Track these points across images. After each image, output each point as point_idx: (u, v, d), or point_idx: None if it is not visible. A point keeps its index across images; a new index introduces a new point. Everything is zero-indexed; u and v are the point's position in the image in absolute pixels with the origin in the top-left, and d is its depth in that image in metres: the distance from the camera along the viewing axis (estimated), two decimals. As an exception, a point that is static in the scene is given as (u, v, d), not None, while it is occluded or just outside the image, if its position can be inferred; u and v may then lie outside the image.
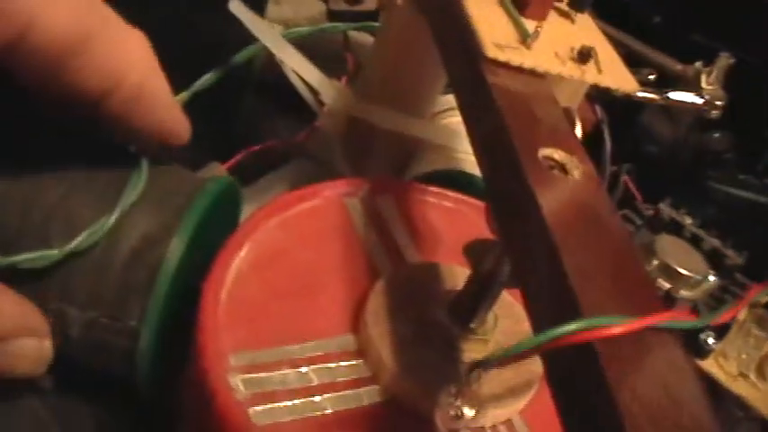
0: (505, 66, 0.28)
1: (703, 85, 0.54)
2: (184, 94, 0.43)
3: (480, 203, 0.37)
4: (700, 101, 0.54)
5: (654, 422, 0.18)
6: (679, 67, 0.55)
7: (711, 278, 0.49)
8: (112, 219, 0.31)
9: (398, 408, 0.27)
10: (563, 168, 0.25)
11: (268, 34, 0.41)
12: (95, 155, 0.34)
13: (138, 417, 0.36)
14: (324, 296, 0.30)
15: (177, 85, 0.43)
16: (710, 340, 0.44)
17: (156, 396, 0.34)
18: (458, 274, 0.31)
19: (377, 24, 0.43)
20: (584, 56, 0.30)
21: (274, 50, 0.41)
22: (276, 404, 0.26)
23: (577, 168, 0.25)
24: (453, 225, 0.35)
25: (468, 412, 0.23)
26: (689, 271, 0.47)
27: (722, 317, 0.22)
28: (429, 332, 0.29)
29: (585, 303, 0.19)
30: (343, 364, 0.28)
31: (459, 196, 0.37)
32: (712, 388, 0.44)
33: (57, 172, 0.33)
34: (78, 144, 0.34)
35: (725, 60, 0.55)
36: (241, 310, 0.29)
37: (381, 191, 0.35)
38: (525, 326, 0.30)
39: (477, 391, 0.23)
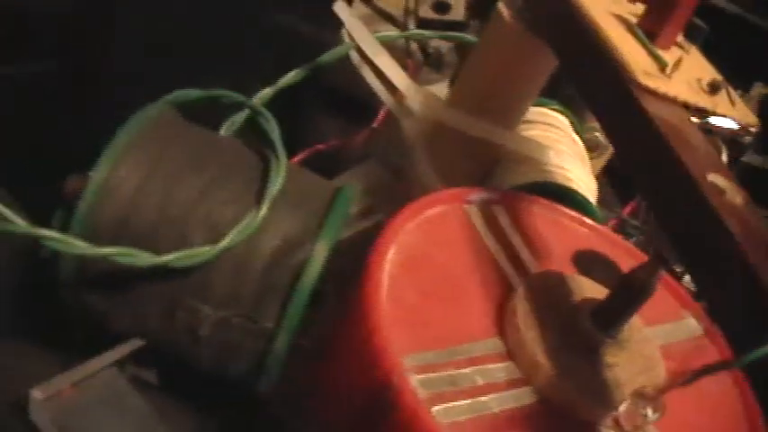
0: (653, 93, 0.31)
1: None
2: (269, 90, 0.44)
3: (578, 215, 0.39)
4: (736, 126, 0.58)
5: None
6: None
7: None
8: (259, 218, 0.32)
9: (553, 408, 0.29)
10: (725, 193, 0.27)
11: (365, 36, 0.42)
12: (231, 150, 0.35)
13: (246, 423, 0.37)
14: (466, 300, 0.32)
15: (259, 80, 0.44)
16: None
17: (276, 406, 0.35)
18: (584, 284, 0.33)
19: (465, 36, 0.45)
20: (715, 88, 0.32)
21: (370, 52, 0.42)
22: (452, 403, 0.28)
23: (739, 194, 0.27)
24: (560, 235, 0.38)
25: (652, 415, 0.26)
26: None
27: None
28: (574, 338, 0.31)
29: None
30: (499, 365, 0.30)
31: (563, 208, 0.39)
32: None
33: (194, 167, 0.33)
34: (213, 138, 0.35)
35: (759, 90, 0.59)
36: (402, 312, 0.30)
37: (497, 201, 0.37)
38: (646, 332, 0.33)
39: (660, 397, 0.26)
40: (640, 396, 0.27)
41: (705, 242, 0.26)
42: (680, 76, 0.32)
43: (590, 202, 0.41)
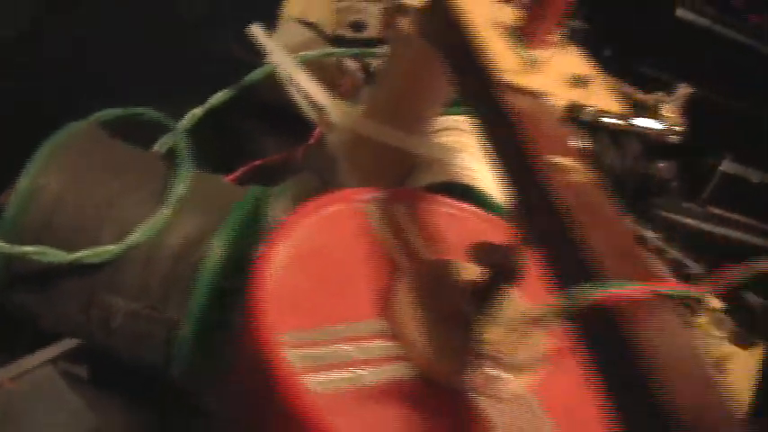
0: (515, 88, 0.33)
1: (664, 112, 0.60)
2: (199, 110, 0.47)
3: (476, 210, 0.41)
4: (660, 127, 0.60)
5: (681, 376, 0.22)
6: (642, 96, 0.61)
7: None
8: (162, 219, 0.35)
9: (427, 380, 0.31)
10: (569, 172, 0.30)
11: (283, 57, 0.45)
12: (144, 162, 0.38)
13: (168, 409, 0.40)
14: (354, 286, 0.34)
15: (190, 102, 0.48)
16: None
17: (190, 389, 0.37)
18: (468, 269, 0.36)
19: (375, 51, 0.48)
20: (579, 81, 0.35)
21: (289, 72, 0.45)
22: (327, 375, 0.30)
23: (582, 173, 0.29)
24: (456, 228, 0.40)
25: (506, 375, 0.28)
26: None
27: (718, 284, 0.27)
28: (451, 316, 0.33)
29: (608, 275, 0.24)
30: (378, 342, 0.32)
31: (461, 204, 0.41)
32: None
33: (109, 175, 0.36)
34: (130, 152, 0.38)
35: (684, 90, 0.61)
36: (288, 295, 0.32)
37: (395, 199, 0.40)
38: (526, 309, 0.35)
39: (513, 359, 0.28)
40: (491, 359, 0.29)
41: (543, 210, 0.28)
42: (548, 72, 0.35)
43: (491, 198, 0.44)
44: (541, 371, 0.34)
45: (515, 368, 0.31)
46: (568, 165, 0.30)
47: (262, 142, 0.57)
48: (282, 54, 0.45)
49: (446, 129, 0.49)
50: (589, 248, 0.25)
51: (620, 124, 0.60)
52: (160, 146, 0.45)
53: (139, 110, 0.39)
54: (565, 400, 0.33)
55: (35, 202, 0.35)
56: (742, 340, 0.54)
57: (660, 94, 0.62)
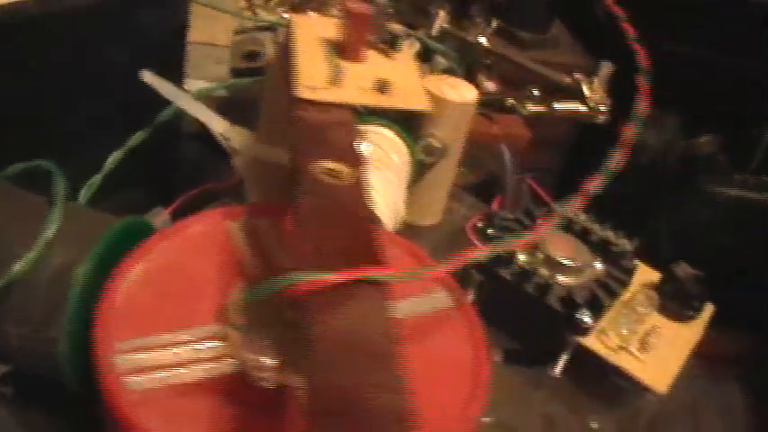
0: (316, 103, 0.37)
1: (587, 93, 0.61)
2: (119, 153, 0.53)
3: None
4: (584, 108, 0.61)
5: (346, 348, 0.25)
6: (566, 78, 0.62)
7: (598, 265, 0.55)
8: (34, 254, 0.40)
9: (247, 378, 0.35)
10: (338, 176, 0.33)
11: (178, 95, 0.50)
12: (29, 204, 0.43)
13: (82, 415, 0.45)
14: (201, 297, 0.38)
15: (112, 143, 0.53)
16: (586, 318, 0.50)
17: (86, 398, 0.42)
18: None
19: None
20: (382, 86, 0.38)
21: (186, 108, 0.50)
22: (149, 375, 0.34)
23: (347, 175, 0.32)
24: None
25: (270, 361, 0.31)
26: (568, 260, 0.53)
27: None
28: (278, 317, 0.36)
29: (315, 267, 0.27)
30: (207, 345, 0.36)
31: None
32: (597, 362, 0.51)
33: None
34: (20, 196, 0.44)
35: (606, 69, 0.62)
36: (131, 309, 0.37)
37: (258, 214, 0.43)
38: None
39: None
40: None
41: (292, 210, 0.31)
42: (353, 83, 0.38)
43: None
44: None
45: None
46: (336, 169, 0.33)
47: (207, 170, 0.62)
48: (177, 92, 0.50)
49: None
50: (309, 245, 0.29)
51: (542, 111, 0.62)
52: (85, 191, 0.51)
53: (37, 162, 0.45)
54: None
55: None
56: (671, 313, 0.54)
57: (579, 75, 0.64)
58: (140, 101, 0.54)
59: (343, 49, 0.40)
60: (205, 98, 0.54)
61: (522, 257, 0.53)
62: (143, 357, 0.35)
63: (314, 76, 0.38)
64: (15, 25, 0.47)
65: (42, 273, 0.40)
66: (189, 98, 0.50)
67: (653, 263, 0.58)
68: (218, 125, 0.51)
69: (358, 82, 0.38)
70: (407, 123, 0.57)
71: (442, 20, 0.66)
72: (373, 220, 0.31)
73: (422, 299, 0.41)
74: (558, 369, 0.52)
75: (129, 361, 0.35)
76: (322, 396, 0.24)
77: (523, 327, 0.55)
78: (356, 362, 0.25)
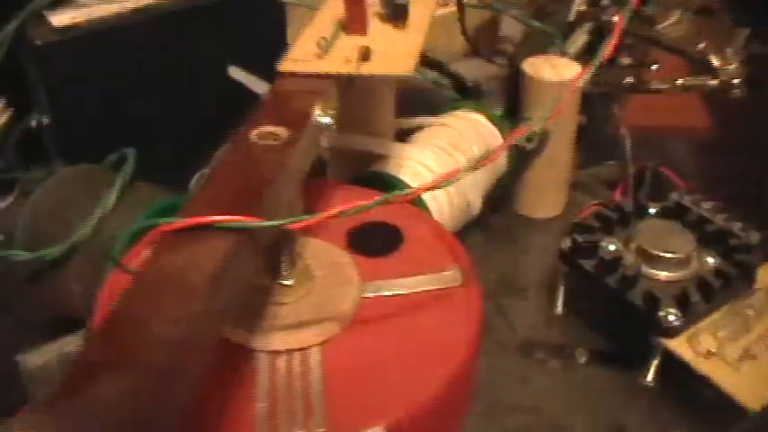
0: (300, 75, 0.37)
1: (715, 64, 0.52)
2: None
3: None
4: (714, 82, 0.52)
5: (166, 279, 0.26)
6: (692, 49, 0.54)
7: (709, 260, 0.47)
8: (92, 221, 0.45)
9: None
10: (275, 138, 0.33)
11: (265, 89, 0.53)
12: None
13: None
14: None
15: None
16: (670, 317, 0.44)
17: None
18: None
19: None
20: (366, 55, 0.37)
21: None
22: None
23: (285, 138, 0.33)
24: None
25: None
26: (663, 251, 0.47)
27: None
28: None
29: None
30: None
31: (364, 190, 0.45)
32: (687, 371, 0.43)
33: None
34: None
35: (741, 35, 0.52)
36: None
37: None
38: (347, 272, 0.38)
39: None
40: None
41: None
42: (339, 54, 0.38)
43: (400, 182, 0.46)
44: (336, 329, 0.36)
45: (300, 324, 0.35)
46: (275, 132, 0.33)
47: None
48: (264, 86, 0.54)
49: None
50: (200, 195, 0.29)
51: (663, 88, 0.55)
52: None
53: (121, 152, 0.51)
54: (355, 360, 0.35)
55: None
56: None
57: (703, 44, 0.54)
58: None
59: (346, 23, 0.40)
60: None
61: (611, 247, 0.48)
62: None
63: (305, 50, 0.38)
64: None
65: (100, 238, 0.46)
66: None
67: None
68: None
69: (345, 53, 0.38)
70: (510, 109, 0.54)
71: (578, 3, 0.62)
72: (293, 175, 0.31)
73: (433, 277, 0.39)
74: (650, 377, 0.46)
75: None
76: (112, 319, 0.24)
77: (610, 326, 0.49)
78: (162, 295, 0.25)
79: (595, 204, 0.54)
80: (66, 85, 0.52)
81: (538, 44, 0.59)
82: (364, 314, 0.37)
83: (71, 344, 0.48)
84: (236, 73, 0.53)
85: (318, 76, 0.37)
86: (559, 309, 0.51)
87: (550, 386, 0.47)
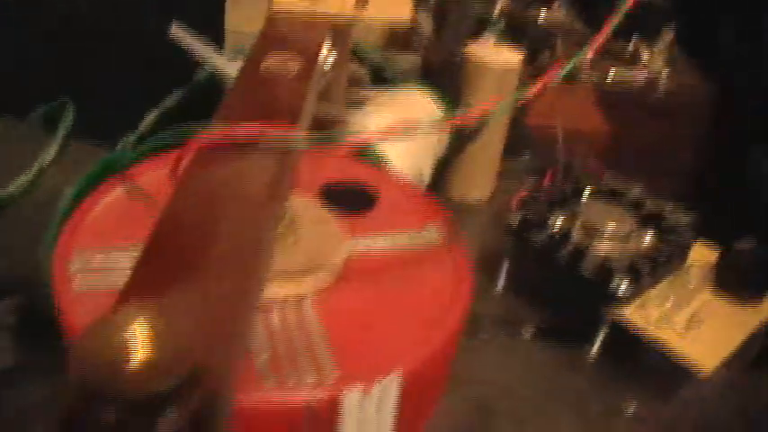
0: (294, 14, 0.36)
1: (645, 59, 0.55)
2: (154, 114, 0.53)
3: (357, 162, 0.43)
4: (643, 76, 0.55)
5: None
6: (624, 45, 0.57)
7: (646, 237, 0.50)
8: (27, 177, 0.41)
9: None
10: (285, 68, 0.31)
11: (208, 54, 0.50)
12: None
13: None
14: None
15: (147, 104, 0.54)
16: (622, 286, 0.45)
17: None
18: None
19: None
20: (364, 1, 0.36)
21: (218, 68, 0.51)
22: (96, 277, 0.34)
23: (293, 67, 0.31)
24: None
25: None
26: (608, 227, 0.48)
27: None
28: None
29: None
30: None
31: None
32: (636, 342, 0.45)
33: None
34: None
35: (669, 34, 0.56)
36: (95, 225, 0.37)
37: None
38: (332, 226, 0.36)
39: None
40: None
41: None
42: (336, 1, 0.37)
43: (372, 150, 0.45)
44: (328, 280, 0.34)
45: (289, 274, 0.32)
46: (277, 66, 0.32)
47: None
48: (207, 51, 0.50)
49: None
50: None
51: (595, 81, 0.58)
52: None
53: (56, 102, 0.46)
54: (353, 310, 0.34)
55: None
56: (728, 291, 0.48)
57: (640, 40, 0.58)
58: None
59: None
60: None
61: (557, 224, 0.49)
62: (96, 264, 0.34)
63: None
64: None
65: (35, 196, 0.41)
66: (220, 57, 0.50)
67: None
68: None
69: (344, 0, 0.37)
70: (449, 91, 0.55)
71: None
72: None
73: (415, 234, 0.39)
74: (595, 349, 0.47)
75: (82, 264, 0.34)
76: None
77: (556, 301, 0.50)
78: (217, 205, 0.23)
79: (530, 188, 0.55)
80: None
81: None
82: (354, 267, 0.36)
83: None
84: (178, 32, 0.50)
85: (314, 19, 0.36)
86: (500, 287, 0.52)
87: (501, 359, 0.47)
